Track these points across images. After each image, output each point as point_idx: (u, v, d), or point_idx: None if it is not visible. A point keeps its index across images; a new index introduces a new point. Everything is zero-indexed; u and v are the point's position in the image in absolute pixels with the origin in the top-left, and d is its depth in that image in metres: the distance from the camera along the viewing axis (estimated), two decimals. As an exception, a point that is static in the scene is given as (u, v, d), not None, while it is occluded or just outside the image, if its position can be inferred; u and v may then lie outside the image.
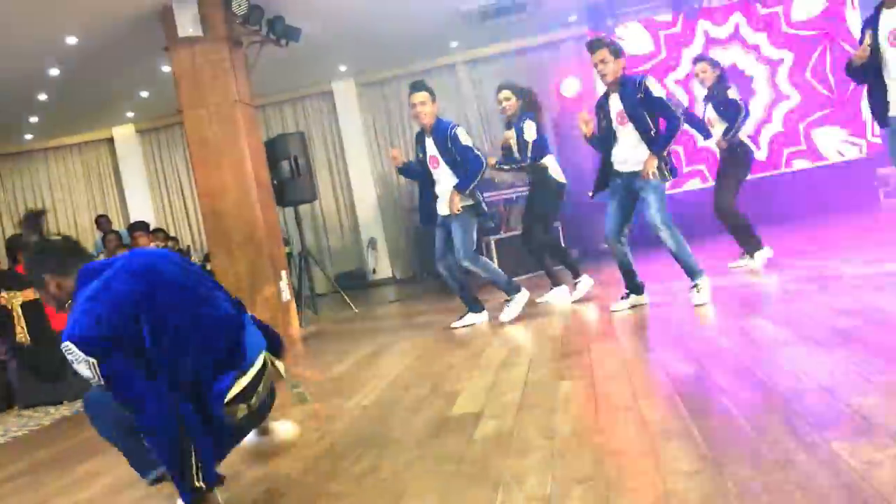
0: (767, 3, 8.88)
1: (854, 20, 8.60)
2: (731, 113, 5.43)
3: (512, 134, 5.50)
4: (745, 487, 1.74)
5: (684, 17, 9.02)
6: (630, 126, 4.38)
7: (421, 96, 5.03)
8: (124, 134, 11.36)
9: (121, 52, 7.38)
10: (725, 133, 5.46)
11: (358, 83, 10.90)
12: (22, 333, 5.23)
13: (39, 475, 3.34)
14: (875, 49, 4.35)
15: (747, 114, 5.54)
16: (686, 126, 5.18)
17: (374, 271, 10.95)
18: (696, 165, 9.04)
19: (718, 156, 5.81)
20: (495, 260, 7.45)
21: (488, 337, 4.65)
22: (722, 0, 9.12)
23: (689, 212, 6.79)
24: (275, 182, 7.14)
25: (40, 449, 3.97)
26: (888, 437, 1.85)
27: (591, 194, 4.75)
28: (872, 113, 4.72)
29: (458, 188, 4.93)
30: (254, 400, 2.22)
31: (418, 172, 5.28)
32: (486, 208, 5.10)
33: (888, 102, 4.42)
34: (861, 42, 4.39)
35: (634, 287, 4.65)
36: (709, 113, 5.63)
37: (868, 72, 4.46)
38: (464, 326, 5.20)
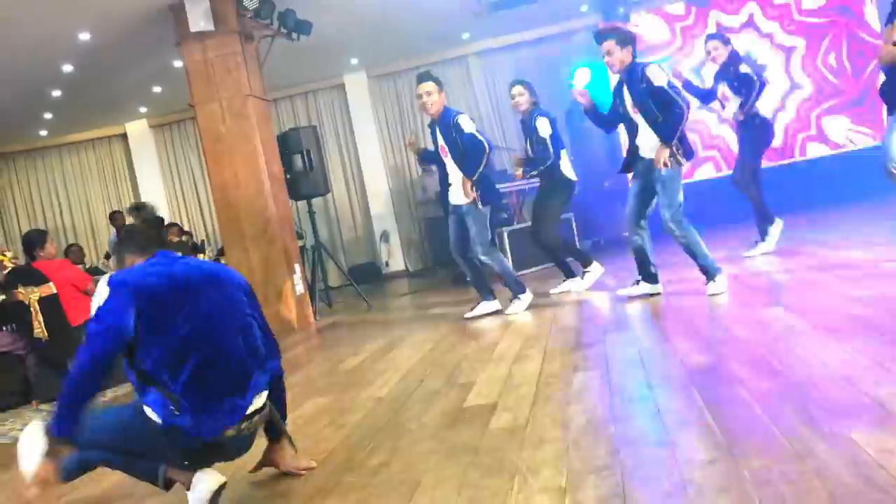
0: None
1: (870, 9, 8.56)
2: (746, 87, 5.51)
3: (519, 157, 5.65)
4: (761, 477, 1.74)
5: (696, 8, 9.00)
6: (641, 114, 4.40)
7: (427, 86, 5.00)
8: (137, 129, 11.41)
9: (133, 47, 7.42)
10: (741, 107, 5.53)
11: (370, 76, 10.88)
12: (39, 328, 5.26)
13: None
14: None
15: (762, 85, 5.56)
16: (690, 97, 5.10)
17: (387, 264, 10.96)
18: (708, 152, 9.01)
19: (736, 131, 5.90)
20: (508, 252, 7.44)
21: (502, 328, 4.65)
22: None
23: (702, 200, 6.76)
24: (288, 176, 7.17)
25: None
26: (906, 425, 1.84)
27: (620, 171, 4.83)
28: (885, 99, 4.66)
29: (467, 175, 4.94)
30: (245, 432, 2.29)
31: (437, 159, 5.29)
32: (482, 205, 5.00)
33: None
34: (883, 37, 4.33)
35: (648, 276, 4.63)
36: (723, 89, 5.69)
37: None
38: (477, 316, 5.22)
